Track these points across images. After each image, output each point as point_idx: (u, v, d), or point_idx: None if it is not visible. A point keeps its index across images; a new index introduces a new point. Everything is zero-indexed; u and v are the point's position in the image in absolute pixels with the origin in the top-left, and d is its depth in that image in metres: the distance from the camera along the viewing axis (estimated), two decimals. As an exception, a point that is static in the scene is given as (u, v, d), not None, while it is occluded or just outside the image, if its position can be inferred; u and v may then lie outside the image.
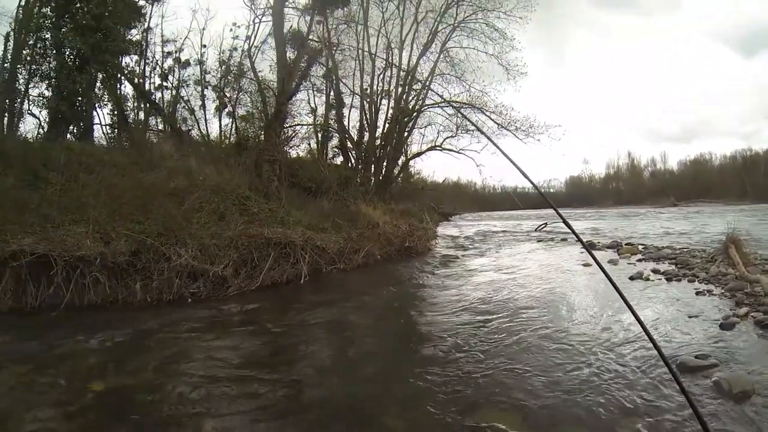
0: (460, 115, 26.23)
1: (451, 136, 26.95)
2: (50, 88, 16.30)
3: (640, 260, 15.11)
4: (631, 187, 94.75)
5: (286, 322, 9.65)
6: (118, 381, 6.49)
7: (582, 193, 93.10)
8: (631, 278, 11.97)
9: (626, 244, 18.86)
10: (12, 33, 16.21)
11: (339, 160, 24.83)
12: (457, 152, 27.19)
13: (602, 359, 6.52)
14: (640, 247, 17.86)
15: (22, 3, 16.34)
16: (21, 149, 13.30)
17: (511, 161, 2.70)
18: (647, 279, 11.76)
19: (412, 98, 25.62)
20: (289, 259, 12.86)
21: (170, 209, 11.95)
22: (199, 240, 11.32)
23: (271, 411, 5.68)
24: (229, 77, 20.82)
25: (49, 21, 16.42)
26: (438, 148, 27.46)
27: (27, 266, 9.36)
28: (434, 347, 7.52)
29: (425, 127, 27.62)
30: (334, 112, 24.36)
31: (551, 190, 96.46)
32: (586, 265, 14.58)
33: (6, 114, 15.93)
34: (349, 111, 25.17)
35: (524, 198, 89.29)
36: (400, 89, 24.94)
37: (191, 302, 10.56)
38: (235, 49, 21.37)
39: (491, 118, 25.57)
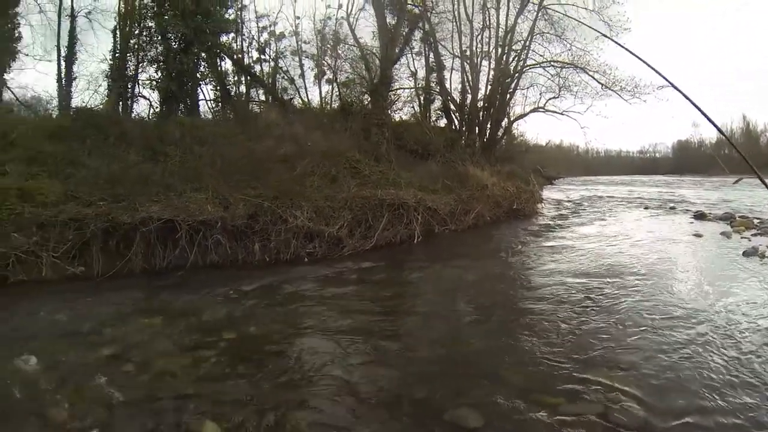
0: (561, 75, 24.79)
1: (554, 97, 25.54)
2: (159, 71, 17.04)
3: (755, 235, 13.65)
4: (746, 154, 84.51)
5: (401, 280, 9.67)
6: (246, 330, 6.71)
7: (690, 160, 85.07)
8: (745, 254, 10.71)
9: (740, 217, 17.02)
10: (117, 26, 17.28)
11: (442, 122, 24.11)
12: (560, 114, 25.82)
13: (715, 331, 6.14)
14: (755, 221, 16.08)
15: None
16: (138, 128, 13.83)
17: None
18: (764, 256, 10.45)
19: (513, 59, 24.29)
20: (402, 219, 12.74)
21: (282, 174, 12.08)
22: (313, 202, 11.37)
23: (390, 362, 5.69)
24: (326, 45, 20.76)
25: (151, 11, 17.29)
26: (541, 109, 26.12)
27: (155, 231, 9.81)
28: (545, 307, 7.37)
29: (527, 88, 26.24)
30: (434, 74, 23.62)
31: (656, 155, 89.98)
32: (697, 235, 13.60)
33: (120, 98, 16.96)
34: (450, 74, 24.32)
35: (628, 163, 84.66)
36: (499, 50, 23.79)
37: (307, 262, 10.70)
38: (329, 18, 21.23)
39: (594, 78, 23.89)
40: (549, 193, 30.55)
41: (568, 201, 26.66)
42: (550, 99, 25.69)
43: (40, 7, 18.11)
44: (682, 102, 2.40)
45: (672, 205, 22.53)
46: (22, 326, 6.99)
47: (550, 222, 17.20)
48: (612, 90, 23.75)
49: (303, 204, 11.14)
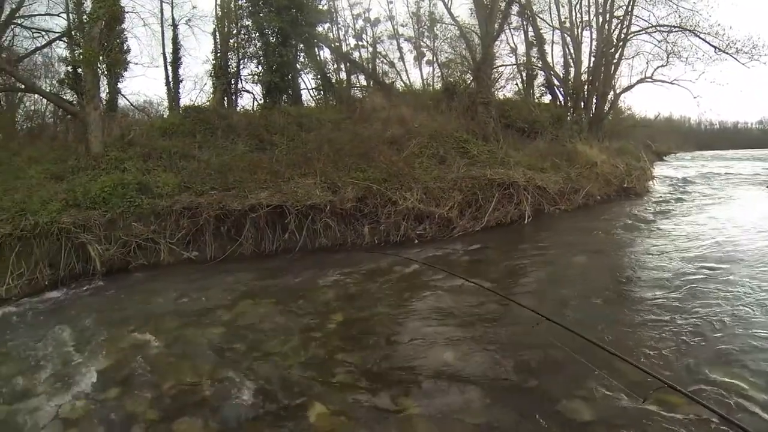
0: (669, 40, 22.73)
1: (662, 66, 23.44)
2: (260, 65, 17.61)
3: None
4: None
5: (513, 261, 9.19)
6: (355, 313, 6.72)
7: None
8: None
9: None
10: (216, 29, 18.06)
11: (546, 99, 23.18)
12: (670, 83, 23.71)
13: None
14: None
15: (218, 2, 18.24)
16: (244, 120, 14.26)
17: None
18: None
19: (615, 27, 22.61)
20: (512, 199, 12.28)
21: (390, 156, 11.99)
22: (423, 183, 11.21)
23: (501, 349, 5.45)
24: (423, 27, 20.55)
25: (246, 10, 17.86)
26: (648, 79, 24.12)
27: (264, 216, 10.12)
28: (663, 297, 6.72)
29: (632, 57, 24.35)
30: (535, 49, 22.77)
31: None
32: None
33: (225, 95, 17.70)
34: (551, 47, 23.38)
35: (746, 136, 77.03)
36: (600, 18, 22.27)
37: (417, 243, 10.55)
38: (423, -1, 20.95)
39: (706, 41, 21.43)
40: (660, 169, 28.68)
41: (682, 178, 24.78)
42: (657, 68, 23.64)
43: (144, 21, 19.77)
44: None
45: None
46: (142, 306, 7.41)
47: (663, 202, 15.85)
48: (726, 53, 21.19)
49: (412, 185, 11.03)
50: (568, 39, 22.32)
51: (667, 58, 22.96)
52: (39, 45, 17.18)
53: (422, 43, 20.52)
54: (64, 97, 15.34)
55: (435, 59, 20.26)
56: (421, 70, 21.47)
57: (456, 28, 19.17)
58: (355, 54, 20.21)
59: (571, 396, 4.38)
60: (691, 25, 21.47)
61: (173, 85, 18.29)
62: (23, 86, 14.22)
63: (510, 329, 5.93)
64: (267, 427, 4.24)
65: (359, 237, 10.54)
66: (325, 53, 19.92)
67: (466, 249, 10.01)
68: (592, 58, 22.50)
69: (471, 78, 18.35)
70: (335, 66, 20.03)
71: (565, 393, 4.43)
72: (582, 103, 22.11)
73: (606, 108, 23.89)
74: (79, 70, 14.37)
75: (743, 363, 4.76)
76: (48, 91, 15.32)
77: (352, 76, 20.04)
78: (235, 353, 5.60)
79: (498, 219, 11.84)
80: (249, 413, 4.41)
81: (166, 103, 18.69)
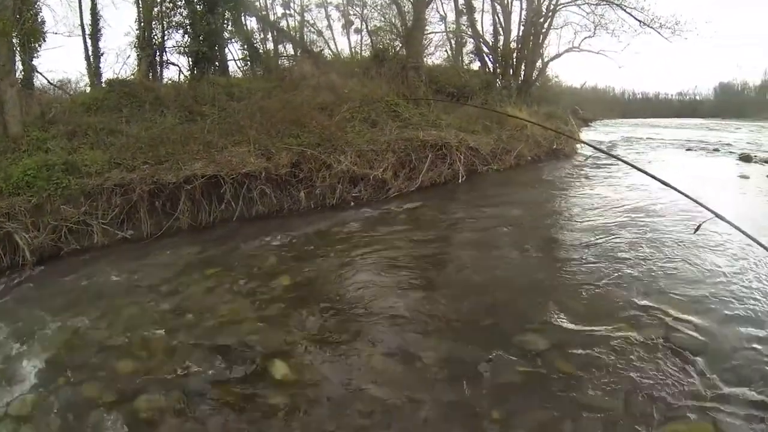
0: (597, 13, 23.41)
1: (589, 36, 24.37)
2: (186, 35, 16.94)
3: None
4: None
5: (449, 216, 9.57)
6: (301, 275, 6.71)
7: (733, 103, 79.41)
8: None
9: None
10: None
11: (475, 66, 23.38)
12: (596, 53, 25.04)
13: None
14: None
15: None
16: (173, 92, 13.79)
17: None
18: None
19: (545, -3, 23.37)
20: (446, 160, 12.54)
21: (322, 122, 11.91)
22: (356, 147, 11.25)
23: (451, 293, 5.76)
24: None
25: None
26: (575, 49, 25.00)
27: (199, 188, 9.84)
28: (595, 242, 7.36)
29: (561, 27, 24.93)
30: (465, 18, 22.76)
31: (696, 98, 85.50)
32: (743, 177, 13.20)
33: (150, 67, 16.99)
34: (482, 16, 23.50)
35: (666, 106, 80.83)
36: (531, -13, 22.78)
37: (354, 206, 10.64)
38: (353, -35, 20.75)
39: (632, 15, 22.32)
40: (587, 134, 29.75)
41: (608, 142, 25.85)
42: (585, 38, 24.59)
43: None
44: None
45: (715, 147, 21.45)
46: (81, 292, 7.07)
47: (589, 161, 16.65)
48: (651, 27, 22.28)
49: (346, 149, 11.05)
50: (498, 8, 22.54)
51: (594, 29, 23.90)
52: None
53: (350, 11, 20.39)
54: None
55: (365, 27, 20.18)
56: (349, 38, 21.50)
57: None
58: (283, 23, 19.84)
59: (524, 330, 4.77)
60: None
61: (93, 59, 17.13)
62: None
63: (457, 276, 6.43)
64: (233, 392, 4.23)
65: (295, 202, 10.49)
66: (252, 23, 19.49)
67: (402, 208, 10.24)
68: (522, 27, 22.97)
69: (401, 44, 18.43)
70: (262, 36, 19.66)
71: (519, 328, 4.82)
72: (511, 71, 22.58)
73: (534, 75, 24.54)
74: (-9, 45, 13.63)
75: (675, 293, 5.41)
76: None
77: (279, 46, 19.71)
78: (187, 326, 5.49)
79: (432, 179, 12.08)
80: (212, 381, 4.38)
81: (86, 79, 17.46)
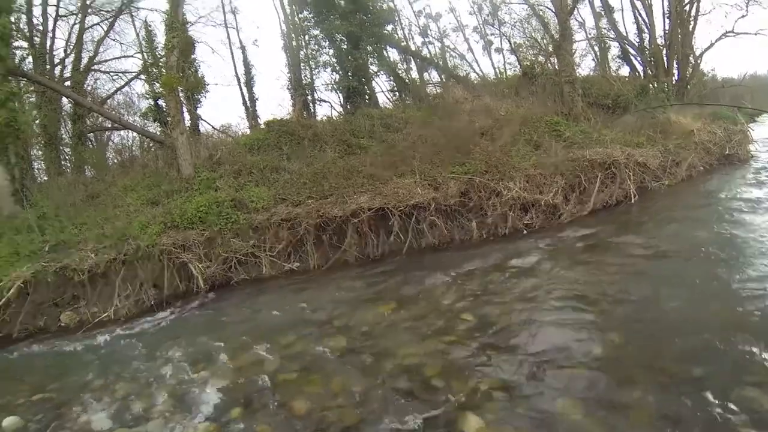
0: None
1: (743, 16, 21.73)
2: (334, 72, 17.69)
3: None
4: None
5: (628, 244, 8.77)
6: (483, 314, 6.40)
7: None
8: None
9: None
10: (285, 44, 18.73)
11: (624, 71, 22.09)
12: (754, 35, 22.22)
13: None
14: None
15: (281, 18, 18.99)
16: (329, 127, 14.33)
17: None
18: None
19: (687, -21, 21.22)
20: (615, 179, 11.72)
21: (486, 147, 11.65)
22: (523, 171, 10.85)
23: (654, 338, 5.13)
24: (486, 14, 20.13)
25: (311, 21, 18.01)
26: (731, 33, 22.24)
27: (367, 221, 10.07)
28: None
29: (709, 12, 22.62)
30: (604, 20, 21.72)
31: None
32: None
33: (305, 106, 18.01)
34: (622, 15, 22.04)
35: None
36: (672, -28, 20.88)
37: (526, 234, 10.23)
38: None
39: None
40: (759, 132, 26.80)
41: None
42: (738, 19, 21.98)
43: (212, 48, 21.41)
44: None
45: None
46: (252, 321, 7.41)
47: (769, 166, 14.73)
48: None
49: (513, 174, 10.71)
50: (638, 3, 20.92)
51: (747, 6, 21.31)
52: (119, 85, 18.67)
53: (488, 31, 20.09)
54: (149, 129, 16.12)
55: (509, 45, 19.75)
56: (491, 58, 21.10)
57: (522, 8, 18.54)
58: (424, 51, 19.98)
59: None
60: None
61: (250, 103, 19.02)
62: (112, 123, 14.88)
63: (654, 314, 5.67)
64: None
65: (467, 233, 10.35)
66: (394, 54, 19.86)
67: (576, 235, 9.59)
68: (667, 20, 20.99)
69: (544, 58, 17.66)
70: (405, 66, 19.96)
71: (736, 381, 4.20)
72: (663, 71, 20.89)
73: (689, 71, 22.50)
74: (160, 101, 15.47)
75: None
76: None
77: (424, 73, 19.85)
78: (364, 364, 5.42)
79: (603, 201, 11.41)
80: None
81: (246, 122, 19.29)
